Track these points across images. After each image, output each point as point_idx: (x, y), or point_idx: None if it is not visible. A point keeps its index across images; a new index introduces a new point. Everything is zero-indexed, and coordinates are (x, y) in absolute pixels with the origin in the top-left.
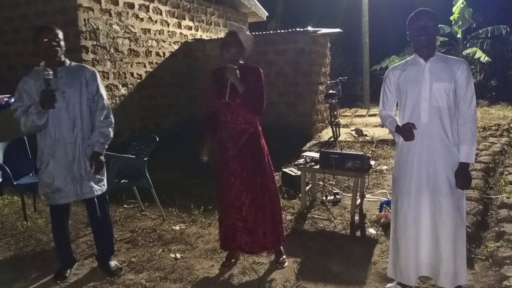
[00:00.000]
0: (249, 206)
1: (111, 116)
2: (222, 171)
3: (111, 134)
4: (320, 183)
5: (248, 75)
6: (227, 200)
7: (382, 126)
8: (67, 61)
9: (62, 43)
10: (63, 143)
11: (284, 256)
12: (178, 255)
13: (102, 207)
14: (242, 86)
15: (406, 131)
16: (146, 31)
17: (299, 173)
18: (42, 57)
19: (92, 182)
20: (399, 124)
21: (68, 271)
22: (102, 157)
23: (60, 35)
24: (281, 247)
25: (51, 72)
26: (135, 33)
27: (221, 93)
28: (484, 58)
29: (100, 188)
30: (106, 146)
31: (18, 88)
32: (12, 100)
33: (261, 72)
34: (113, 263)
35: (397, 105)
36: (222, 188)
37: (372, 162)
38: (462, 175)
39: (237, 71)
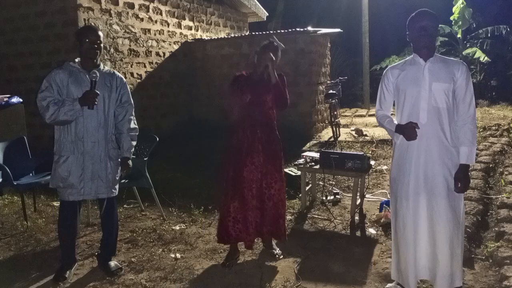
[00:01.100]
0: (273, 195)
1: (136, 123)
2: (242, 165)
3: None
4: (320, 183)
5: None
6: (248, 193)
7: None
8: (101, 65)
9: (102, 45)
10: (86, 141)
11: (278, 249)
12: (178, 255)
13: (111, 208)
14: (275, 78)
15: (409, 130)
16: (146, 31)
17: (299, 173)
18: (81, 56)
19: (109, 184)
20: (399, 124)
21: (68, 272)
22: (130, 162)
23: (102, 37)
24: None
25: (98, 75)
26: (135, 33)
27: (250, 85)
28: (484, 58)
29: (114, 191)
30: (132, 151)
31: (48, 78)
32: (13, 100)
33: (284, 77)
34: (113, 263)
35: (393, 105)
36: (241, 182)
37: (372, 162)
38: (462, 177)
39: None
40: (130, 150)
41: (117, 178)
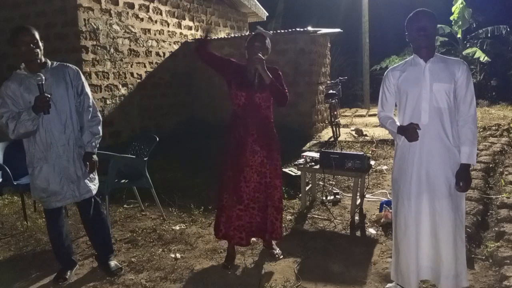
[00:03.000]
0: (265, 198)
1: (98, 114)
2: (240, 165)
3: (101, 132)
4: (320, 183)
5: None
6: (245, 193)
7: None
8: (49, 62)
9: (40, 44)
10: (56, 146)
11: (278, 249)
12: (178, 255)
13: (97, 206)
14: (269, 77)
15: (410, 131)
16: (146, 31)
17: (299, 173)
18: (22, 60)
19: (87, 181)
20: (401, 125)
21: (69, 273)
22: (95, 156)
23: (37, 35)
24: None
25: (43, 77)
26: (135, 33)
27: (244, 86)
28: (484, 58)
29: (95, 187)
30: (98, 145)
31: (0, 94)
32: None
33: (279, 71)
34: (113, 263)
35: (395, 106)
36: (238, 182)
37: (372, 162)
38: (463, 176)
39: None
40: (92, 144)
41: (93, 176)
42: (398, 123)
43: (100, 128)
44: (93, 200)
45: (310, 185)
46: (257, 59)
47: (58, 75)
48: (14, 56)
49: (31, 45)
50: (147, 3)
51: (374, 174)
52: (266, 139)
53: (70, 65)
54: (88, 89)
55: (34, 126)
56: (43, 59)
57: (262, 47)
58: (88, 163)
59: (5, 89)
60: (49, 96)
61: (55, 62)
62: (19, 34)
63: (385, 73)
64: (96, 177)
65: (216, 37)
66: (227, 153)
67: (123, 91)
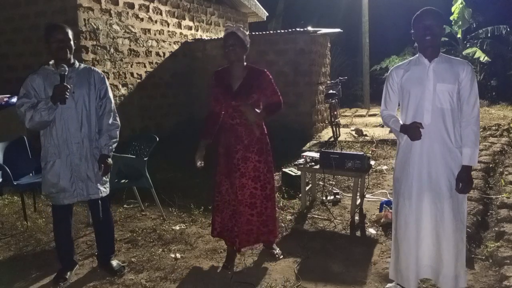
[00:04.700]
0: (263, 201)
1: (118, 119)
2: (231, 172)
3: (118, 137)
4: (320, 183)
5: (257, 79)
6: (239, 200)
7: (382, 126)
8: (76, 63)
9: (71, 43)
10: (70, 142)
11: (278, 249)
12: (178, 255)
13: (105, 208)
14: (256, 115)
15: (413, 130)
16: (146, 31)
17: (299, 173)
18: (52, 57)
19: (98, 184)
20: (404, 124)
21: (69, 273)
22: (109, 160)
23: (70, 34)
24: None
25: (67, 68)
26: (135, 33)
27: (228, 95)
28: (484, 58)
29: (105, 190)
30: (114, 149)
31: (25, 85)
32: (13, 100)
33: (269, 75)
34: (115, 262)
35: (398, 105)
36: (225, 186)
37: (372, 162)
38: (464, 178)
39: (251, 106)
40: (109, 147)
41: (106, 178)
42: (401, 122)
43: (118, 133)
44: (100, 202)
45: (310, 185)
46: (242, 107)
47: (83, 76)
48: (46, 53)
49: (63, 43)
50: (147, 3)
51: (374, 174)
52: (258, 144)
53: (97, 69)
54: (111, 94)
55: (50, 117)
56: (72, 59)
57: (236, 44)
58: (102, 165)
59: (31, 81)
60: (68, 87)
61: (82, 64)
62: (52, 32)
63: (389, 71)
64: (108, 180)
65: (216, 37)
66: (217, 158)
67: (123, 91)
